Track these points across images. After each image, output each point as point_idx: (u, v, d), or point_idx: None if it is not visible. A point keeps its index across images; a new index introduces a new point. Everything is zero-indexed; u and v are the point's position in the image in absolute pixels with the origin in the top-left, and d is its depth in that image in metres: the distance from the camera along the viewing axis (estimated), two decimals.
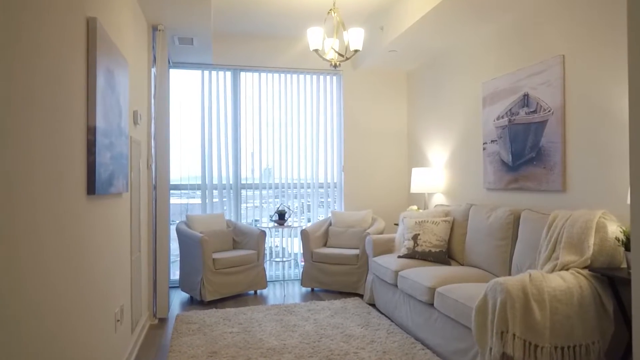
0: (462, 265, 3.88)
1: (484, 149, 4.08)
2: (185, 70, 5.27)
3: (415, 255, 3.93)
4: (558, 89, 3.20)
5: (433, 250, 3.88)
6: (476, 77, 4.26)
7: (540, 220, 3.02)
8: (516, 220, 3.31)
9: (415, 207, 4.94)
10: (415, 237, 4.00)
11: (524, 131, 3.54)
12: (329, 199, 5.73)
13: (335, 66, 3.56)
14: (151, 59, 3.92)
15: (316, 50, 3.46)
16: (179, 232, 4.70)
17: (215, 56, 5.25)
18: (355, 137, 5.64)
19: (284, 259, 5.22)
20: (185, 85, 5.30)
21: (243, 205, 5.53)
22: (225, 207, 5.43)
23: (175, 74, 5.25)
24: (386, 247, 4.37)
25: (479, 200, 4.23)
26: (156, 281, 3.96)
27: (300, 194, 5.65)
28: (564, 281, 2.41)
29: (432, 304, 3.15)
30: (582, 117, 3.03)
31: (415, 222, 4.10)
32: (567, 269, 2.58)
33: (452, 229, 4.02)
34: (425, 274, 3.37)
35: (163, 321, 3.94)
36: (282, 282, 5.29)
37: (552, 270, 2.62)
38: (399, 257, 4.01)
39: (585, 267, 2.54)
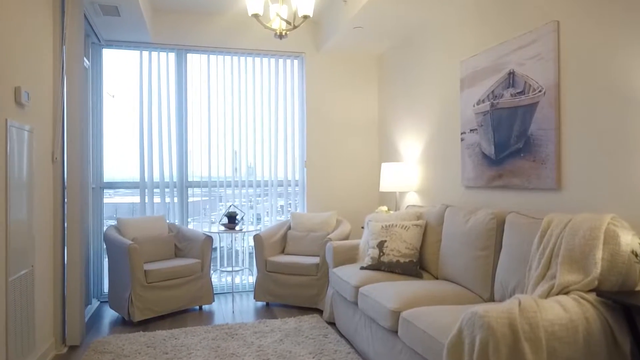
0: (437, 278, 3.25)
1: (462, 139, 3.46)
2: (122, 51, 4.54)
3: (381, 266, 3.29)
4: (551, 64, 2.58)
5: (402, 260, 3.24)
6: (454, 56, 3.63)
7: (530, 226, 2.40)
8: (500, 226, 2.68)
9: (385, 208, 4.31)
10: (381, 245, 3.35)
11: (509, 117, 2.92)
12: (289, 200, 5.05)
13: (280, 36, 2.89)
14: (59, 31, 3.18)
15: (256, 16, 2.79)
16: (106, 238, 3.98)
17: (156, 34, 4.53)
18: (319, 129, 4.98)
19: (234, 269, 4.53)
20: (122, 69, 4.56)
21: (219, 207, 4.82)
22: (172, 209, 4.72)
23: (111, 55, 4.51)
24: (349, 256, 3.72)
25: (456, 200, 3.61)
26: (65, 301, 3.24)
27: (257, 193, 4.96)
28: (564, 311, 1.79)
29: (396, 332, 2.51)
30: (582, 96, 2.42)
31: (382, 226, 3.45)
32: (567, 293, 1.96)
33: (424, 234, 3.39)
34: (390, 292, 2.73)
35: (74, 350, 3.22)
36: (232, 295, 4.59)
37: (548, 294, 2.00)
38: (362, 268, 3.36)
39: (591, 290, 1.92)
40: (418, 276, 3.22)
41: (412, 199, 4.34)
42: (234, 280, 4.84)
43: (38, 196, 2.87)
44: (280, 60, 4.90)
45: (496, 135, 3.05)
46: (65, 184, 3.23)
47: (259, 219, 5.06)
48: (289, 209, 5.06)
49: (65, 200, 3.23)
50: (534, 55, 2.70)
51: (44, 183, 2.99)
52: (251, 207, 5.02)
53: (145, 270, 3.76)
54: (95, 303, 4.32)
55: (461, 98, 3.45)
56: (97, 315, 4.02)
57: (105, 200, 4.61)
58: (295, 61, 4.97)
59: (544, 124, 2.63)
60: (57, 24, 3.16)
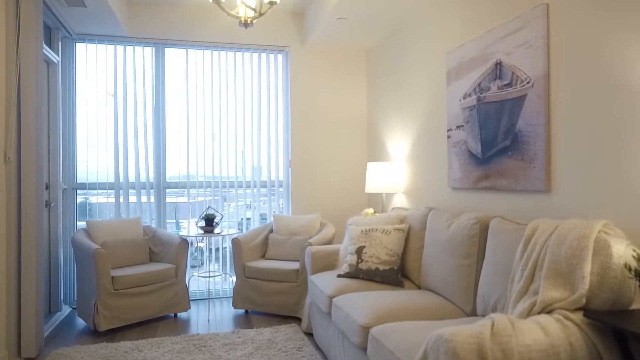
0: (419, 288, 2.99)
1: (448, 137, 3.20)
2: (98, 45, 4.32)
3: (359, 274, 3.04)
4: (540, 52, 2.32)
5: (381, 267, 2.99)
6: (440, 47, 3.38)
7: (514, 233, 2.14)
8: (484, 232, 2.42)
9: (371, 211, 4.05)
10: (359, 251, 3.11)
11: (496, 112, 2.66)
12: (272, 202, 4.81)
13: (245, 25, 2.65)
14: (14, 23, 2.96)
15: (217, 2, 2.55)
16: (73, 242, 3.76)
17: (133, 28, 4.32)
18: (305, 127, 4.73)
19: (211, 274, 4.30)
20: (98, 64, 4.35)
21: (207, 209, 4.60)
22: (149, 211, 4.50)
23: (86, 50, 4.29)
24: (329, 262, 3.48)
25: (442, 202, 3.35)
26: (21, 310, 3.02)
27: (238, 194, 4.73)
28: (545, 334, 1.53)
29: (366, 349, 2.26)
30: (574, 88, 2.16)
31: (362, 230, 3.20)
32: (550, 312, 1.70)
33: (407, 239, 3.13)
34: (364, 304, 2.48)
35: None
36: (208, 302, 4.36)
37: (529, 313, 1.74)
38: (339, 276, 3.11)
39: (578, 309, 1.66)
40: (399, 285, 2.97)
41: (400, 201, 4.08)
42: (212, 286, 4.60)
43: None
44: (264, 55, 4.67)
45: (483, 132, 2.79)
46: (20, 186, 3.01)
47: (239, 221, 4.82)
48: (273, 210, 4.82)
49: (19, 203, 3.01)
50: (521, 43, 2.44)
51: None
52: (233, 209, 4.79)
53: (112, 277, 3.54)
54: (66, 310, 4.11)
55: (447, 92, 3.20)
56: (65, 324, 3.81)
57: (95, 200, 4.39)
58: (279, 56, 4.73)
59: (533, 119, 2.37)
60: (10, 15, 2.94)
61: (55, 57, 3.95)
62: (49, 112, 3.97)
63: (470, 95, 2.92)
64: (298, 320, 3.81)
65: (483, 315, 2.28)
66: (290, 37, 4.66)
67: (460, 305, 2.47)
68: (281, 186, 4.77)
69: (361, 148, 4.88)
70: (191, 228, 4.60)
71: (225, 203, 4.69)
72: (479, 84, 2.81)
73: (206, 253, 4.83)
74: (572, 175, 2.16)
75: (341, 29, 4.17)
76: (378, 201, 4.55)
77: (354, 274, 3.05)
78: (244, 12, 2.64)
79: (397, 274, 2.99)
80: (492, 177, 2.71)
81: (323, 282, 3.09)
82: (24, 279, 3.02)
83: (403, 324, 2.16)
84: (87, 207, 4.40)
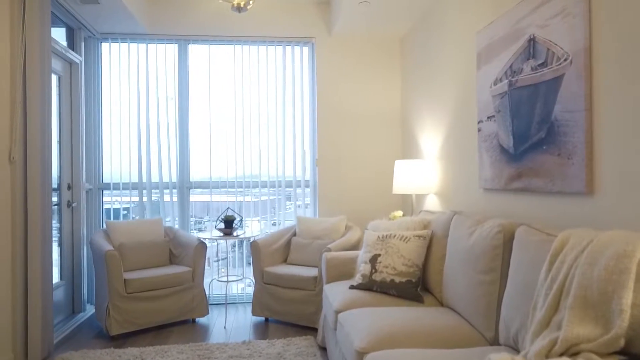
0: (441, 304, 2.60)
1: (479, 130, 2.77)
2: (119, 44, 4.28)
3: (373, 285, 2.70)
4: (579, 20, 1.87)
5: (397, 279, 2.63)
6: (470, 28, 2.95)
7: (541, 246, 1.72)
8: (509, 242, 2.00)
9: (400, 213, 3.68)
10: (374, 260, 2.76)
11: (529, 98, 2.22)
12: (298, 202, 4.56)
13: (239, 9, 2.41)
14: (19, 24, 2.92)
15: None
16: (90, 243, 3.72)
17: (155, 25, 4.24)
18: (332, 123, 4.43)
19: (230, 278, 4.11)
20: (119, 64, 4.31)
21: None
22: (173, 211, 4.41)
23: (109, 49, 4.27)
24: (346, 270, 3.16)
25: (473, 204, 2.92)
26: (27, 314, 2.98)
27: (263, 194, 4.52)
28: None
29: None
30: (622, 63, 1.69)
31: (378, 237, 2.86)
32: (576, 354, 1.29)
33: (429, 247, 2.74)
34: (367, 323, 2.15)
35: None
36: (225, 308, 4.17)
37: (548, 354, 1.34)
38: (352, 287, 2.79)
39: (613, 353, 1.25)
40: (417, 300, 2.59)
41: (431, 203, 3.67)
42: (235, 290, 4.43)
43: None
44: (288, 48, 4.42)
45: (515, 122, 2.35)
46: (27, 187, 2.97)
47: (263, 223, 4.61)
48: (303, 212, 4.56)
49: (25, 205, 2.97)
50: (558, 12, 2.00)
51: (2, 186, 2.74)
52: (255, 209, 4.58)
53: (125, 279, 3.45)
54: (90, 310, 4.10)
55: (478, 78, 2.77)
56: (86, 325, 3.77)
57: (120, 200, 4.39)
58: (305, 48, 4.46)
59: (571, 104, 1.92)
60: (15, 18, 2.90)
61: (77, 58, 3.94)
62: (72, 113, 3.97)
63: (501, 80, 2.48)
64: (315, 331, 3.53)
65: (506, 345, 1.87)
66: (316, 28, 4.38)
67: (480, 329, 2.07)
68: (307, 186, 4.50)
69: (394, 145, 4.49)
70: (211, 231, 4.45)
71: (247, 198, 4.50)
72: (511, 66, 2.38)
73: (228, 256, 4.67)
74: (620, 174, 1.70)
75: (367, 15, 3.83)
76: (410, 203, 4.15)
77: (367, 285, 2.71)
78: None
79: (416, 288, 2.61)
80: (525, 176, 2.27)
81: (334, 293, 2.78)
82: (30, 282, 2.97)
83: (406, 352, 1.81)
84: (112, 207, 4.38)
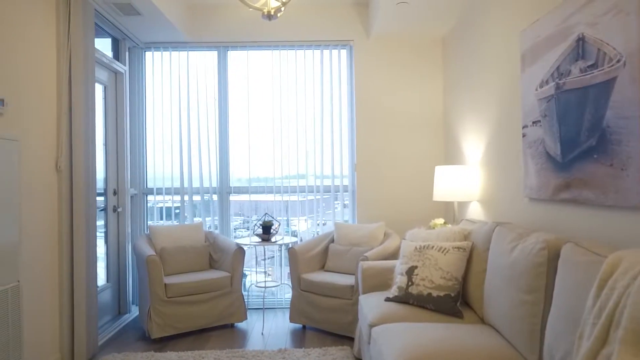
0: (481, 320, 2.46)
1: (523, 135, 2.60)
2: (162, 52, 4.38)
3: (409, 298, 2.60)
4: (633, 17, 1.69)
5: (434, 293, 2.52)
6: (514, 26, 2.77)
7: (589, 267, 1.57)
8: (554, 260, 1.85)
9: (441, 221, 3.54)
10: (410, 272, 2.66)
11: (578, 102, 2.05)
12: (336, 208, 4.49)
13: (269, 17, 2.38)
14: (64, 36, 3.04)
15: None
16: (133, 248, 3.84)
17: (195, 32, 4.31)
18: (371, 127, 4.34)
19: (267, 284, 4.11)
20: (161, 72, 4.42)
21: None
22: (213, 216, 4.47)
23: (152, 58, 4.39)
24: (382, 280, 3.07)
25: (517, 215, 2.75)
26: (74, 315, 3.10)
27: (301, 199, 4.49)
28: None
29: None
30: None
31: (416, 247, 2.75)
32: None
33: (470, 260, 2.60)
34: (402, 340, 2.06)
35: None
36: (263, 314, 4.17)
37: None
38: (387, 299, 2.70)
39: None
40: (456, 316, 2.47)
41: (474, 211, 3.50)
42: (274, 295, 4.43)
43: (35, 207, 2.75)
44: (326, 51, 4.36)
45: (562, 128, 2.18)
46: (72, 193, 3.09)
47: (294, 231, 4.58)
48: (341, 218, 4.50)
49: (72, 210, 3.09)
50: (609, 9, 1.82)
51: (45, 193, 2.87)
52: (293, 215, 4.56)
53: (165, 284, 3.52)
54: (135, 312, 4.23)
55: (522, 80, 2.60)
56: (131, 327, 3.89)
57: (163, 205, 4.50)
58: (343, 51, 4.39)
59: (625, 110, 1.74)
60: (61, 30, 3.02)
61: (121, 67, 4.07)
62: (117, 121, 4.11)
63: (547, 82, 2.31)
64: (352, 341, 3.45)
65: None
66: (354, 30, 4.30)
67: (524, 353, 1.93)
68: (346, 191, 4.43)
69: (435, 150, 4.34)
70: (250, 236, 4.47)
71: (292, 197, 4.49)
72: (558, 68, 2.20)
73: (266, 261, 4.68)
74: None
75: (406, 16, 3.71)
76: (452, 210, 3.99)
77: (403, 298, 2.62)
78: (267, 2, 2.37)
79: (455, 302, 2.49)
80: (574, 187, 2.10)
81: (369, 305, 2.70)
82: (76, 284, 3.09)
83: None
84: (155, 211, 4.50)
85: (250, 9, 2.60)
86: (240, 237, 4.64)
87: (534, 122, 2.47)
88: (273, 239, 3.91)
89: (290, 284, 3.83)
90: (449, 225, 3.36)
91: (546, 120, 2.33)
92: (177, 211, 4.52)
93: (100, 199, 3.81)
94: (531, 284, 1.89)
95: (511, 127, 2.82)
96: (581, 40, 2.01)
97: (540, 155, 2.40)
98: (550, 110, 2.28)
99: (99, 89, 3.82)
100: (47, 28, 2.90)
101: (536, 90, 2.43)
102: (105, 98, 3.95)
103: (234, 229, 4.73)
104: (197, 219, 4.48)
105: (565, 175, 2.16)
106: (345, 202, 4.48)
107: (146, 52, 4.39)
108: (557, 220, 2.30)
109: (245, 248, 3.92)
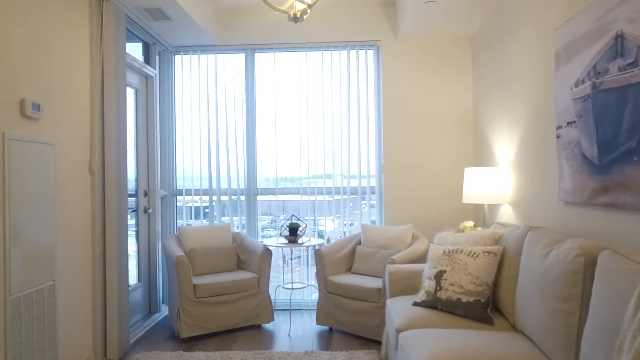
0: (513, 327, 2.39)
1: (557, 136, 2.51)
2: (190, 56, 4.45)
3: (437, 304, 2.55)
4: None
5: (464, 299, 2.46)
6: (547, 24, 2.68)
7: (628, 277, 1.50)
8: (590, 267, 1.78)
9: (470, 224, 3.47)
10: (439, 276, 2.61)
11: (617, 102, 1.96)
12: (364, 210, 4.46)
13: (295, 19, 2.38)
14: (96, 42, 3.12)
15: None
16: (163, 248, 3.91)
17: (223, 36, 4.35)
18: (399, 128, 4.28)
19: (294, 285, 4.11)
20: (190, 75, 4.49)
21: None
22: (241, 217, 4.51)
23: (181, 61, 4.46)
24: (410, 283, 3.02)
25: (551, 218, 2.66)
26: (106, 314, 3.18)
27: (328, 200, 4.48)
28: None
29: None
30: None
31: (444, 251, 2.70)
32: None
33: (501, 265, 2.53)
34: (430, 347, 2.02)
35: None
36: (290, 315, 4.18)
37: None
38: (415, 304, 2.66)
39: None
40: (486, 322, 2.41)
41: (506, 214, 3.41)
42: (301, 296, 4.43)
43: (70, 208, 2.83)
44: (352, 52, 4.34)
45: (599, 129, 2.09)
46: (105, 195, 3.17)
47: (321, 231, 4.57)
48: (368, 219, 4.46)
49: (104, 212, 3.17)
50: None
51: (79, 195, 2.95)
52: (320, 215, 4.55)
53: (194, 285, 3.57)
54: (165, 311, 4.31)
55: (556, 79, 2.51)
56: (161, 326, 3.97)
57: (192, 205, 4.57)
58: (370, 51, 4.35)
59: None
60: (94, 36, 3.10)
61: (152, 71, 4.15)
62: (147, 124, 4.19)
63: (583, 81, 2.22)
64: (380, 345, 3.42)
65: None
66: (382, 30, 4.26)
67: None
68: (373, 192, 4.39)
69: (465, 151, 4.25)
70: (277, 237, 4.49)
71: (319, 197, 4.48)
72: (594, 66, 2.12)
73: (293, 263, 4.69)
74: None
75: (435, 15, 3.65)
76: (482, 213, 3.90)
77: (432, 303, 2.57)
78: (293, 5, 2.36)
79: (485, 309, 2.42)
80: (612, 191, 2.01)
81: (396, 309, 2.66)
82: (108, 284, 3.17)
83: None
84: (185, 210, 4.57)
85: (277, 12, 2.60)
86: (268, 237, 4.67)
87: (568, 123, 2.38)
88: (300, 241, 3.91)
89: (316, 284, 3.82)
90: (479, 229, 3.29)
91: (582, 121, 2.24)
92: (207, 210, 4.58)
93: (131, 199, 3.90)
94: (566, 292, 1.82)
95: (544, 127, 2.73)
96: (620, 37, 1.93)
97: (576, 157, 2.31)
98: (587, 111, 2.19)
99: (130, 93, 3.91)
100: (81, 34, 2.98)
101: (571, 89, 2.34)
102: (136, 101, 4.04)
103: (262, 228, 4.76)
104: (224, 218, 4.53)
105: (603, 178, 2.08)
106: (372, 202, 4.45)
107: (175, 56, 4.47)
108: (593, 225, 2.21)
109: (272, 249, 3.94)
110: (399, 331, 2.41)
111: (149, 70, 4.09)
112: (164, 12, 3.48)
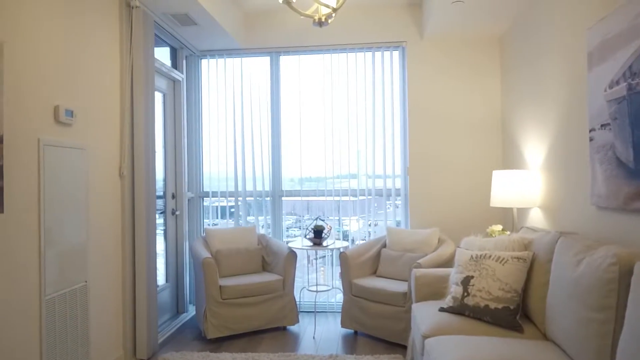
0: (544, 336, 2.33)
1: (590, 139, 2.43)
2: (217, 60, 4.50)
3: (465, 310, 2.51)
4: None
5: (492, 305, 2.41)
6: (579, 24, 2.60)
7: None
8: (626, 276, 1.72)
9: (498, 228, 3.40)
10: (466, 282, 2.57)
11: None
12: (388, 208, 4.42)
13: (320, 24, 2.38)
14: (126, 48, 3.19)
15: (288, 3, 2.33)
16: (190, 249, 3.97)
17: (249, 39, 4.40)
18: (425, 130, 4.23)
19: (319, 288, 4.11)
20: (217, 79, 4.54)
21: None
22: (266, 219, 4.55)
23: (207, 65, 4.52)
24: (437, 288, 2.99)
25: (583, 224, 2.58)
26: (135, 314, 3.25)
27: (352, 200, 4.46)
28: None
29: None
30: None
31: (472, 256, 2.65)
32: None
33: (531, 271, 2.47)
34: (458, 355, 1.99)
35: None
36: (315, 317, 4.18)
37: None
38: (441, 309, 2.62)
39: None
40: (516, 330, 2.35)
41: (535, 218, 3.32)
42: (326, 298, 4.43)
43: (101, 211, 2.91)
44: (378, 53, 4.31)
45: (636, 132, 2.02)
46: (134, 197, 3.24)
47: (345, 231, 4.55)
48: (389, 221, 4.43)
49: (133, 214, 3.24)
50: None
51: (110, 198, 3.03)
52: (345, 215, 4.54)
53: (220, 286, 3.62)
54: (192, 311, 4.38)
55: (589, 80, 2.43)
56: (188, 326, 4.03)
57: (218, 205, 4.63)
58: (395, 52, 4.31)
59: None
60: (124, 42, 3.17)
61: (179, 76, 4.23)
62: (175, 127, 4.27)
63: (617, 82, 2.15)
64: (405, 349, 3.39)
65: None
66: (407, 31, 4.22)
67: None
68: (398, 195, 4.35)
69: (493, 154, 4.17)
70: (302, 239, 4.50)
71: (344, 198, 4.47)
72: (630, 67, 2.04)
73: (318, 266, 4.69)
74: None
75: (462, 15, 3.59)
76: (510, 216, 3.82)
77: (459, 309, 2.53)
78: (318, 9, 2.36)
79: (514, 316, 2.37)
80: None
81: (422, 315, 2.63)
82: (138, 285, 3.24)
83: None
84: (211, 210, 4.63)
85: (302, 17, 2.61)
86: (293, 237, 4.69)
87: (602, 125, 2.30)
88: (324, 243, 3.91)
89: (341, 286, 3.81)
90: (508, 233, 3.22)
91: (617, 123, 2.17)
92: (232, 210, 4.63)
93: (159, 201, 3.98)
94: (600, 301, 1.77)
95: (576, 130, 2.65)
96: None
97: (610, 161, 2.24)
98: (622, 113, 2.12)
99: (158, 97, 3.99)
100: (111, 41, 3.06)
101: (605, 91, 2.26)
102: (164, 106, 4.11)
103: (287, 227, 4.78)
104: (250, 218, 4.57)
105: (639, 183, 2.00)
106: (397, 203, 4.41)
107: (202, 60, 4.54)
108: (628, 231, 2.13)
109: (296, 251, 3.95)
110: (425, 337, 2.39)
111: (176, 74, 4.16)
112: (191, 18, 3.54)
